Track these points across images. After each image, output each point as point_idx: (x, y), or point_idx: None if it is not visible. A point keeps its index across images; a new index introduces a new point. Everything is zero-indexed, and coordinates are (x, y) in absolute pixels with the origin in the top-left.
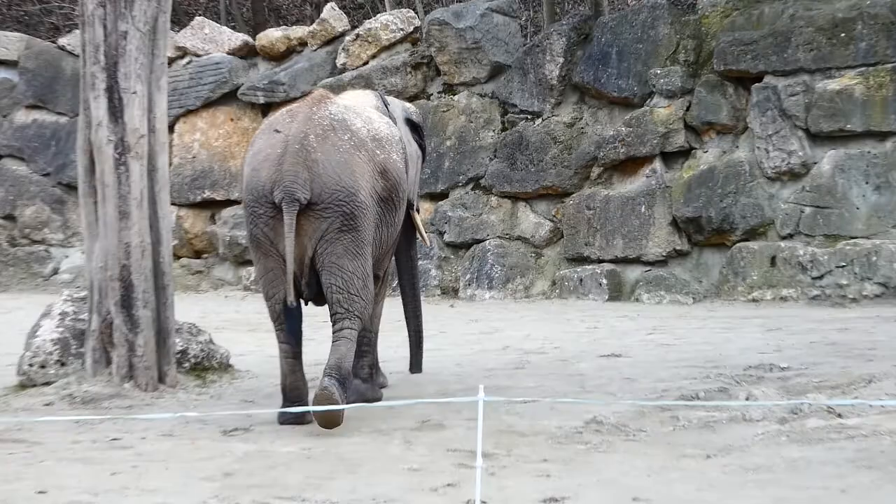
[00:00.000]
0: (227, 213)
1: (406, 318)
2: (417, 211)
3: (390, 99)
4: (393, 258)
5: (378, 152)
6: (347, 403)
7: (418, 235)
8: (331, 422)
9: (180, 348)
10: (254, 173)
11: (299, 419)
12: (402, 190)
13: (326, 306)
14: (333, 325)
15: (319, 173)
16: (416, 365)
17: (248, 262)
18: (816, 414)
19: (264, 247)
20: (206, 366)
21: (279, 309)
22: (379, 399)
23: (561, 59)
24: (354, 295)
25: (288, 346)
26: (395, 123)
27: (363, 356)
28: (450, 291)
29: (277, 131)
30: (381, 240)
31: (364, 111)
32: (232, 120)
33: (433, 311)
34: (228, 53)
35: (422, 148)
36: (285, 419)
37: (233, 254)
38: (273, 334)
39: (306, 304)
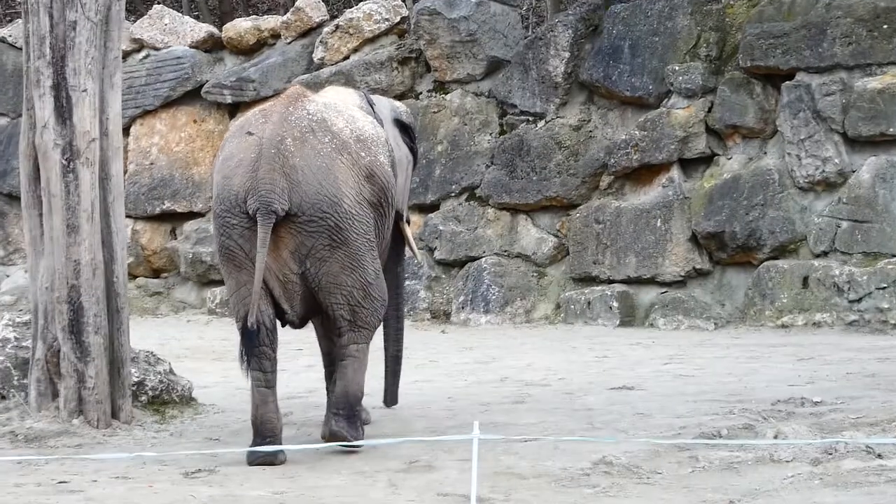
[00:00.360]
0: (189, 226)
1: (385, 341)
2: (407, 222)
3: (377, 98)
4: None
5: (363, 154)
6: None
7: (407, 250)
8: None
9: (136, 379)
10: (225, 181)
11: (271, 460)
12: (390, 195)
13: (298, 328)
14: (338, 342)
15: (299, 181)
16: (391, 396)
17: (214, 283)
18: (853, 454)
19: (238, 259)
20: (166, 399)
21: (252, 332)
22: (367, 423)
23: (566, 54)
24: (356, 307)
25: (260, 373)
26: (382, 125)
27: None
28: (441, 315)
29: (250, 133)
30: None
31: (346, 109)
32: (195, 122)
33: (422, 338)
34: (191, 47)
35: (413, 151)
36: (254, 459)
37: (196, 273)
38: (238, 364)
39: (283, 325)
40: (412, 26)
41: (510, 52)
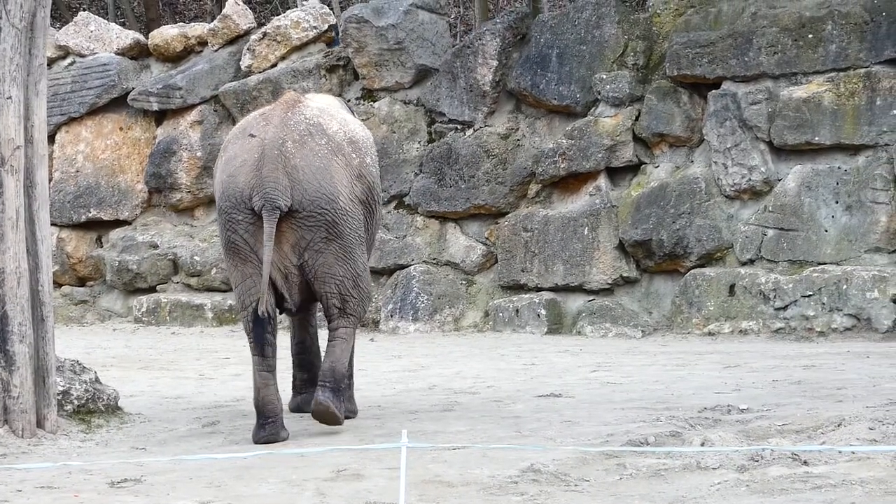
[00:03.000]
0: (115, 234)
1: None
2: None
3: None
4: None
5: (354, 156)
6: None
7: None
8: (331, 421)
9: (62, 389)
10: (230, 179)
11: (274, 439)
12: (377, 193)
13: (296, 315)
14: (329, 326)
15: (300, 180)
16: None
17: (140, 291)
18: (779, 461)
19: (243, 252)
20: (92, 408)
21: (251, 320)
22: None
23: (494, 63)
24: (346, 295)
25: (262, 358)
26: None
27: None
28: (369, 324)
29: (252, 136)
30: (367, 244)
31: (338, 114)
32: (121, 129)
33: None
34: (117, 54)
35: None
36: (259, 438)
37: (122, 281)
38: (169, 372)
39: (290, 314)
40: (340, 34)
41: (438, 60)
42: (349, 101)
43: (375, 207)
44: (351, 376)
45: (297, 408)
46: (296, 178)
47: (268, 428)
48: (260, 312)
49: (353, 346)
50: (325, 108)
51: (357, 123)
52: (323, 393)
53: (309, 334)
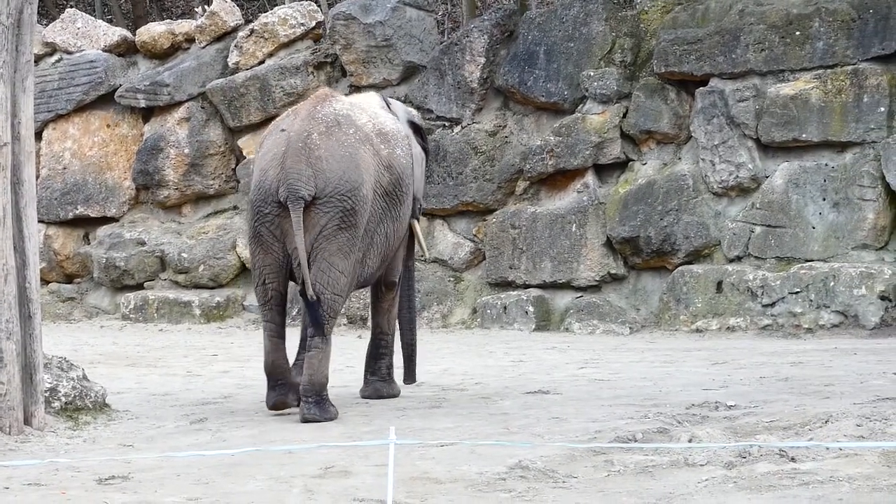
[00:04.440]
0: (102, 231)
1: (400, 329)
2: (417, 220)
3: (393, 101)
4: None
5: (383, 147)
6: (366, 396)
7: (417, 245)
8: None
9: (49, 386)
10: (262, 174)
11: (283, 402)
12: (405, 185)
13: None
14: (309, 326)
15: (323, 168)
16: (409, 376)
17: (128, 288)
18: (767, 458)
19: (266, 243)
20: (79, 405)
21: (271, 293)
22: (396, 395)
23: (482, 60)
24: (338, 294)
25: (272, 324)
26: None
27: (381, 357)
28: (358, 321)
29: (283, 130)
30: (388, 234)
31: (369, 107)
32: (108, 126)
33: (339, 344)
34: (104, 50)
35: (425, 150)
36: (271, 401)
37: (109, 278)
38: (156, 369)
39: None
40: (328, 31)
41: (426, 57)
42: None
43: (403, 200)
44: (391, 366)
45: (365, 395)
46: (319, 168)
47: (277, 390)
48: (309, 296)
49: (330, 352)
50: (357, 103)
51: (390, 118)
52: (308, 409)
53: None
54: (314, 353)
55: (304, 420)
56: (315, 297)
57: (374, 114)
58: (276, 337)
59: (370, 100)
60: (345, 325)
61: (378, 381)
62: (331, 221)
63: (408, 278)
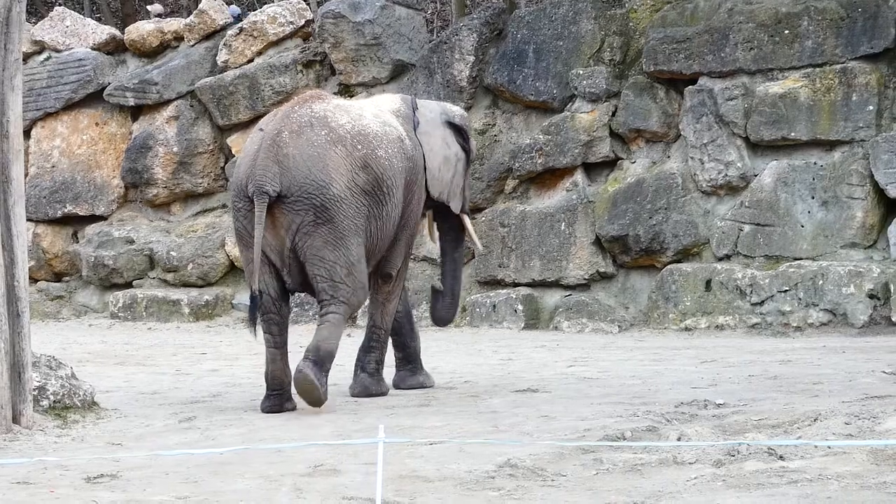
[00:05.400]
0: (91, 230)
1: (443, 281)
2: (467, 214)
3: (427, 103)
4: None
5: (359, 147)
6: (355, 395)
7: (469, 240)
8: (312, 401)
9: (38, 384)
10: (236, 171)
11: (279, 408)
12: (387, 184)
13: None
14: (319, 312)
15: (289, 167)
16: (451, 309)
17: (116, 287)
18: (756, 456)
19: (245, 239)
20: (68, 404)
21: (261, 299)
22: (384, 393)
23: (471, 58)
24: (339, 283)
25: (269, 335)
26: (417, 127)
27: (371, 351)
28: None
29: (261, 130)
30: (372, 231)
31: (358, 110)
32: (97, 124)
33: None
34: (93, 49)
35: (465, 150)
36: (266, 408)
37: (98, 276)
38: (145, 367)
39: (292, 293)
40: (317, 29)
41: (415, 55)
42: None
43: (385, 199)
44: (418, 357)
45: (395, 384)
46: (286, 166)
47: (272, 399)
48: (252, 290)
49: (341, 331)
50: (344, 105)
51: (379, 120)
52: (304, 363)
53: (398, 316)
54: (325, 325)
55: (298, 371)
56: (259, 292)
57: (359, 115)
58: (273, 347)
59: (384, 102)
60: None
61: (366, 377)
62: (305, 219)
63: (454, 269)
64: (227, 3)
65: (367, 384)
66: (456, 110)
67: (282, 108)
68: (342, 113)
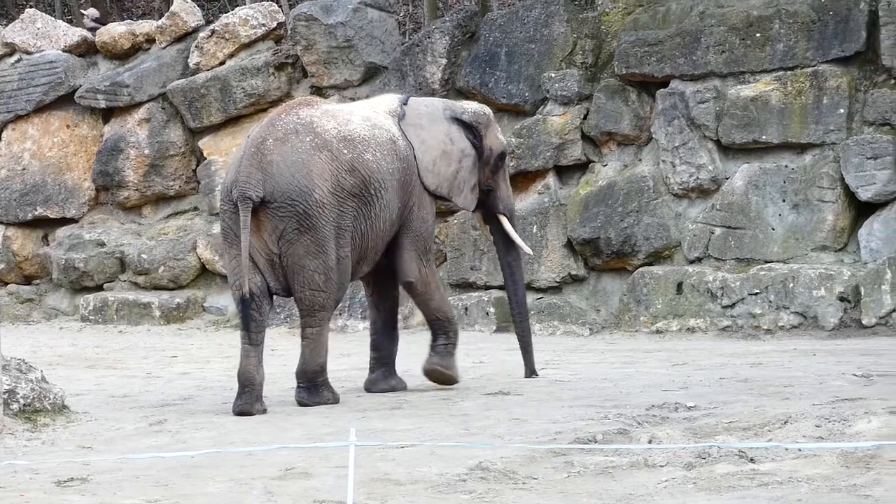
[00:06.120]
0: (61, 233)
1: (514, 323)
2: (505, 215)
3: (431, 99)
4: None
5: (345, 151)
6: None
7: (517, 243)
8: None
9: (7, 388)
10: (226, 176)
11: (249, 409)
12: (374, 186)
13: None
14: (301, 322)
15: (273, 173)
16: (528, 369)
17: (87, 290)
18: (727, 458)
19: (230, 239)
20: (38, 407)
21: (238, 298)
22: (453, 376)
23: (444, 61)
24: (316, 291)
25: (246, 333)
26: (402, 118)
27: (437, 336)
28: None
29: (248, 136)
30: (363, 232)
31: (347, 115)
32: (68, 126)
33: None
34: (64, 51)
35: (476, 147)
36: (234, 408)
37: (69, 279)
38: (116, 371)
39: (274, 295)
40: (289, 32)
41: (387, 58)
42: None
43: (374, 201)
44: (393, 360)
45: (366, 387)
46: (269, 172)
47: (243, 398)
48: (242, 293)
49: (323, 342)
50: (333, 110)
51: (368, 124)
52: (298, 394)
53: (380, 316)
54: (305, 343)
55: (299, 403)
56: (248, 295)
57: (346, 120)
58: (247, 343)
59: (378, 104)
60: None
61: (434, 355)
62: (288, 226)
63: (511, 273)
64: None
65: (434, 360)
66: (469, 107)
67: (269, 115)
68: (329, 118)
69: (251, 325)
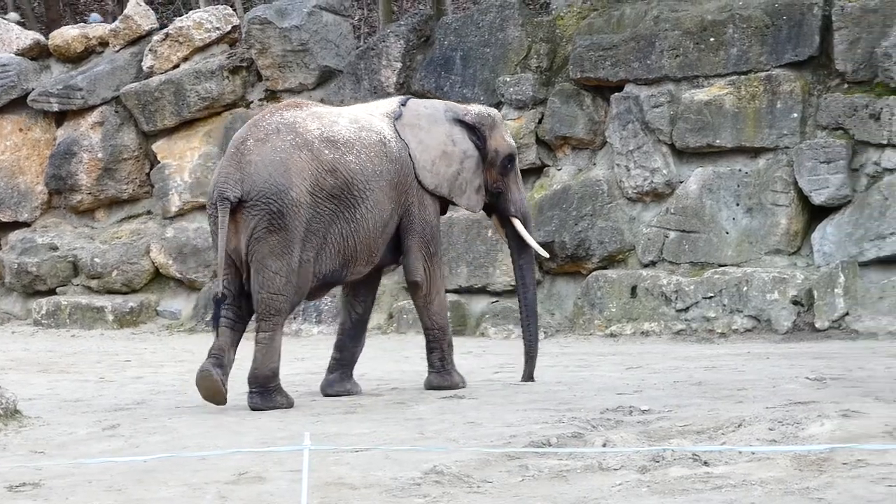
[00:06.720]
0: (14, 236)
1: (522, 327)
2: (518, 218)
3: (433, 101)
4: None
5: (327, 152)
6: (427, 388)
7: (531, 245)
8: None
9: None
10: (212, 177)
11: (208, 378)
12: (357, 188)
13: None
14: (256, 325)
15: (251, 173)
16: (527, 375)
17: (40, 294)
18: (680, 462)
19: (213, 239)
20: None
21: (213, 298)
22: (456, 386)
23: (398, 65)
24: (275, 294)
25: (225, 319)
26: (399, 118)
27: (432, 350)
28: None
29: (233, 137)
30: (344, 234)
31: (335, 116)
32: (21, 130)
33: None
34: (17, 54)
35: (479, 149)
36: (199, 374)
37: (21, 283)
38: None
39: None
40: (243, 35)
41: (342, 61)
42: (251, 102)
43: (356, 202)
44: (353, 363)
45: (322, 387)
46: (247, 172)
47: (208, 361)
48: (215, 293)
49: (275, 346)
50: (318, 111)
51: (356, 125)
52: (251, 398)
53: (350, 319)
54: (258, 348)
55: (252, 408)
56: (220, 295)
57: (331, 122)
58: (226, 327)
59: (378, 106)
60: None
61: (434, 376)
62: (259, 224)
63: (522, 276)
64: (90, 13)
65: (432, 380)
66: (473, 109)
67: (255, 117)
68: (314, 119)
69: (230, 314)
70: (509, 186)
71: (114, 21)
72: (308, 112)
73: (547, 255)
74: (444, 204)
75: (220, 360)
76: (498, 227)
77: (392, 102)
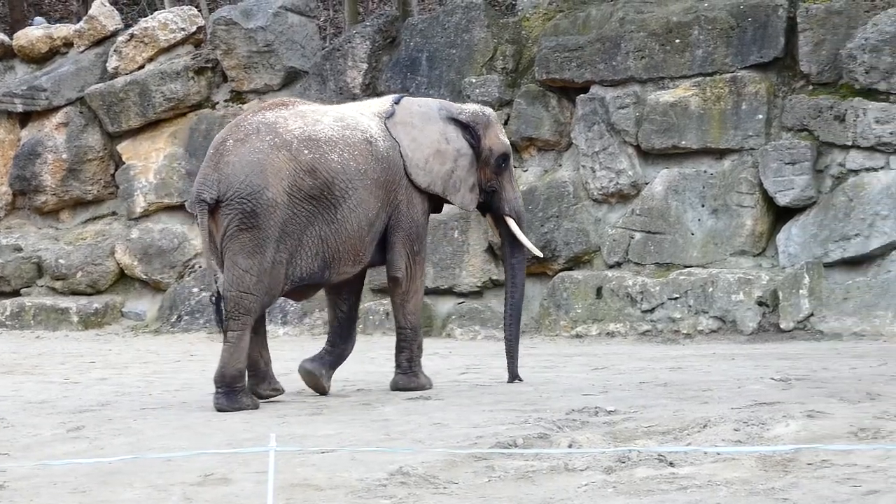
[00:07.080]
0: None
1: (504, 325)
2: (512, 217)
3: (427, 100)
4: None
5: (307, 152)
6: (393, 389)
7: (524, 244)
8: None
9: None
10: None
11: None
12: (339, 188)
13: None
14: (225, 324)
15: (227, 173)
16: (511, 374)
17: (3, 295)
18: (646, 462)
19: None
20: None
21: (216, 289)
22: (422, 387)
23: (364, 66)
24: (244, 293)
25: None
26: (390, 117)
27: (401, 350)
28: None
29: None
30: (322, 235)
31: (319, 115)
32: None
33: (216, 350)
34: None
35: (473, 147)
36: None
37: None
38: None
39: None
40: (209, 36)
41: (308, 62)
42: (217, 103)
43: (337, 203)
44: (341, 361)
45: (301, 363)
46: (224, 173)
47: (251, 380)
48: (210, 294)
49: (243, 346)
50: (303, 111)
51: (340, 125)
52: (217, 399)
53: (337, 318)
54: (225, 347)
55: (217, 409)
56: (217, 294)
57: (315, 121)
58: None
59: (371, 105)
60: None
61: (400, 376)
62: (232, 223)
63: (512, 276)
64: (36, 15)
65: (398, 381)
66: (467, 107)
67: (238, 116)
68: (296, 119)
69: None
70: (503, 185)
71: (78, 21)
72: (292, 111)
73: (541, 255)
74: (438, 203)
75: (256, 370)
76: (492, 225)
77: (385, 101)
